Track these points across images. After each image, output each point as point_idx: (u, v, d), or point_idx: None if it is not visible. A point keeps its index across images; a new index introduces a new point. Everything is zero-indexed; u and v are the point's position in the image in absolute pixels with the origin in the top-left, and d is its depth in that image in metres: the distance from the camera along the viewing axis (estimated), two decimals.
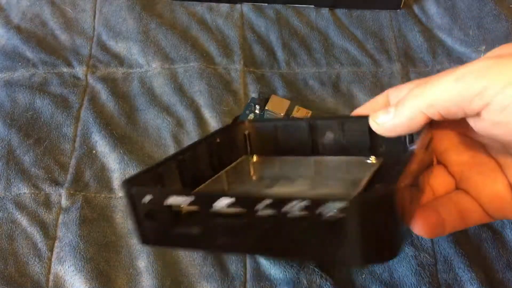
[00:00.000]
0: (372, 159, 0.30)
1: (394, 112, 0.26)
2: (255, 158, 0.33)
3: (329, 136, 0.31)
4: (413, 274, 0.34)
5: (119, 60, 0.44)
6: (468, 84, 0.22)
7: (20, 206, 0.37)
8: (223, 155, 0.32)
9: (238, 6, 0.47)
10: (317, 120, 0.31)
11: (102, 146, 0.39)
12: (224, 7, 0.47)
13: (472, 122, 0.25)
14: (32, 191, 0.37)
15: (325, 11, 0.47)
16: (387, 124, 0.27)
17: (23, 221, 0.36)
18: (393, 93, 0.30)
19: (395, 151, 0.29)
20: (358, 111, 0.31)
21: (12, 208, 0.37)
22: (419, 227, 0.26)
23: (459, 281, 0.34)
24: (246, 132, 0.33)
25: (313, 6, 0.47)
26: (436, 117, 0.24)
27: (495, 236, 0.36)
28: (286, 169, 0.31)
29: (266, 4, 0.48)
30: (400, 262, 0.35)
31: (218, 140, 0.31)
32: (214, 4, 0.48)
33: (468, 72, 0.22)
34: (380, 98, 0.31)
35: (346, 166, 0.30)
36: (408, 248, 0.35)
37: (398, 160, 0.27)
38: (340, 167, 0.31)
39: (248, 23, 0.47)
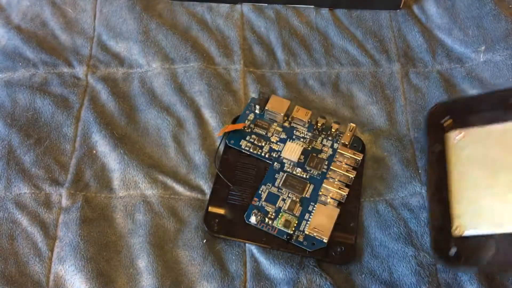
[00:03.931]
0: None
1: None
2: None
3: None
4: (412, 273, 0.34)
5: (119, 60, 0.44)
6: None
7: (21, 206, 0.37)
8: None
9: (238, 6, 0.48)
10: None
11: (103, 146, 0.39)
12: (224, 7, 0.47)
13: None
14: (33, 191, 0.38)
15: (325, 11, 0.47)
16: None
17: (24, 221, 0.36)
18: None
19: None
20: None
21: (13, 208, 0.37)
22: None
23: (458, 281, 0.34)
24: None
25: (313, 6, 0.47)
26: None
27: None
28: None
29: (266, 4, 0.48)
30: (400, 262, 0.35)
31: None
32: (214, 4, 0.48)
33: None
34: None
35: None
36: (408, 248, 0.35)
37: None
38: None
39: (248, 23, 0.47)
